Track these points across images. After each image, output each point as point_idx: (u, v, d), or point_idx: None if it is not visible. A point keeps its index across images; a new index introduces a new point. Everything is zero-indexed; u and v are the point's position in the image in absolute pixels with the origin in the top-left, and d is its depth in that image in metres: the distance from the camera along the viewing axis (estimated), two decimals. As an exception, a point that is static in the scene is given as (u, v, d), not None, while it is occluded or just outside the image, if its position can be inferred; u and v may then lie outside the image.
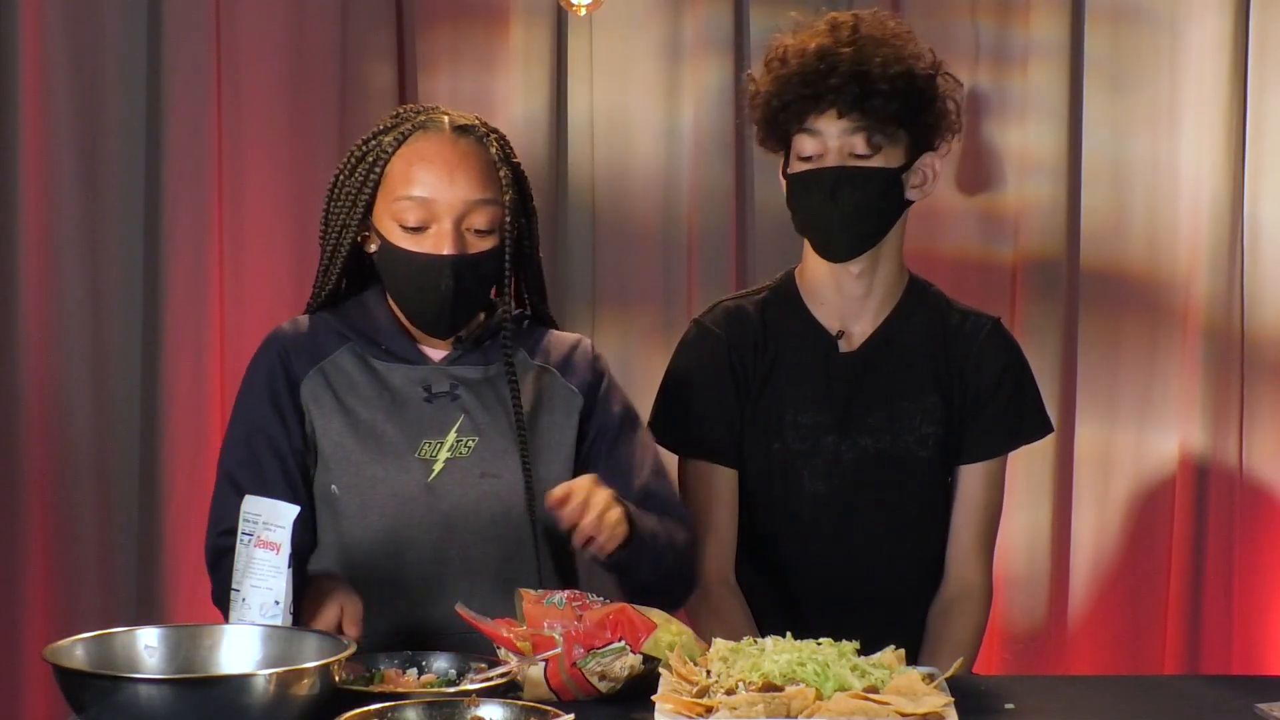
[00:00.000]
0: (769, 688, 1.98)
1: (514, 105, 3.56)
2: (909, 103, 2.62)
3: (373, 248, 2.44)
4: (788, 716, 1.94)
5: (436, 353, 2.45)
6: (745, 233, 3.65)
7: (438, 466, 2.39)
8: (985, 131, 3.66)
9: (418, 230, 2.37)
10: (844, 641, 2.08)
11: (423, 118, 2.43)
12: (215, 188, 3.53)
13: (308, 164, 3.57)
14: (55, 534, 3.52)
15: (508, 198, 2.41)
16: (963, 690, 2.09)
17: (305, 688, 1.86)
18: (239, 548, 2.17)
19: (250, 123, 3.55)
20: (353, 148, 2.46)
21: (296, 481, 2.39)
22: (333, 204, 2.46)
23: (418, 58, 3.58)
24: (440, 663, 2.16)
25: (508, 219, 2.41)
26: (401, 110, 2.49)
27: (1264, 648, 3.70)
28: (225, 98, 3.53)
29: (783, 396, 2.70)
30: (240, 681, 1.85)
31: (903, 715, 1.95)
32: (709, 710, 1.96)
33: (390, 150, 2.40)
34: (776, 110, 2.64)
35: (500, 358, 2.44)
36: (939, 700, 1.97)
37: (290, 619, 2.14)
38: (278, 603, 2.14)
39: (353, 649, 1.97)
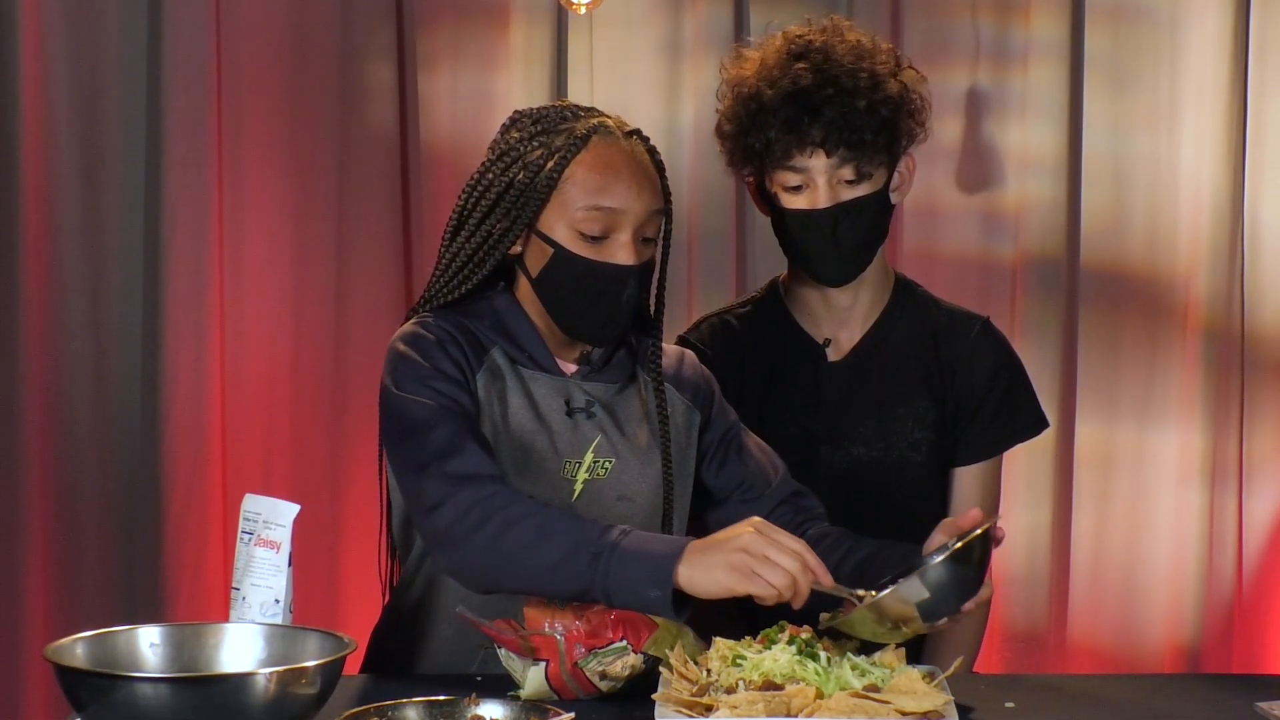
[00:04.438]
0: (769, 686, 1.98)
1: (514, 104, 3.54)
2: (893, 128, 2.59)
3: (516, 251, 2.32)
4: (788, 715, 1.94)
5: (568, 366, 2.36)
6: (745, 233, 3.65)
7: (578, 487, 2.31)
8: (985, 131, 3.66)
9: (597, 239, 2.27)
10: (844, 640, 2.08)
11: (594, 121, 2.30)
12: (215, 187, 3.53)
13: (308, 164, 3.58)
14: (56, 533, 3.53)
15: (670, 205, 2.35)
16: (963, 689, 2.09)
17: (305, 686, 1.86)
18: (239, 547, 2.17)
19: (250, 123, 3.56)
20: (501, 146, 2.32)
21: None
22: (477, 204, 2.31)
23: (418, 57, 3.58)
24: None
25: (668, 227, 2.36)
26: (550, 109, 2.34)
27: (1264, 648, 3.70)
28: (225, 98, 3.54)
29: (773, 409, 2.68)
30: (240, 680, 1.85)
31: (903, 714, 1.95)
32: (709, 709, 1.96)
33: (568, 154, 2.26)
34: (759, 151, 2.59)
35: (625, 375, 2.38)
36: (939, 698, 1.97)
37: (291, 617, 2.14)
38: (278, 601, 2.14)
39: (353, 648, 1.97)
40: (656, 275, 2.37)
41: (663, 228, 2.33)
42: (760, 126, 2.58)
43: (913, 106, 2.62)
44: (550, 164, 2.26)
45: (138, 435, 3.55)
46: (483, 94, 3.58)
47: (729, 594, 2.04)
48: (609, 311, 2.29)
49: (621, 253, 2.27)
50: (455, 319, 2.32)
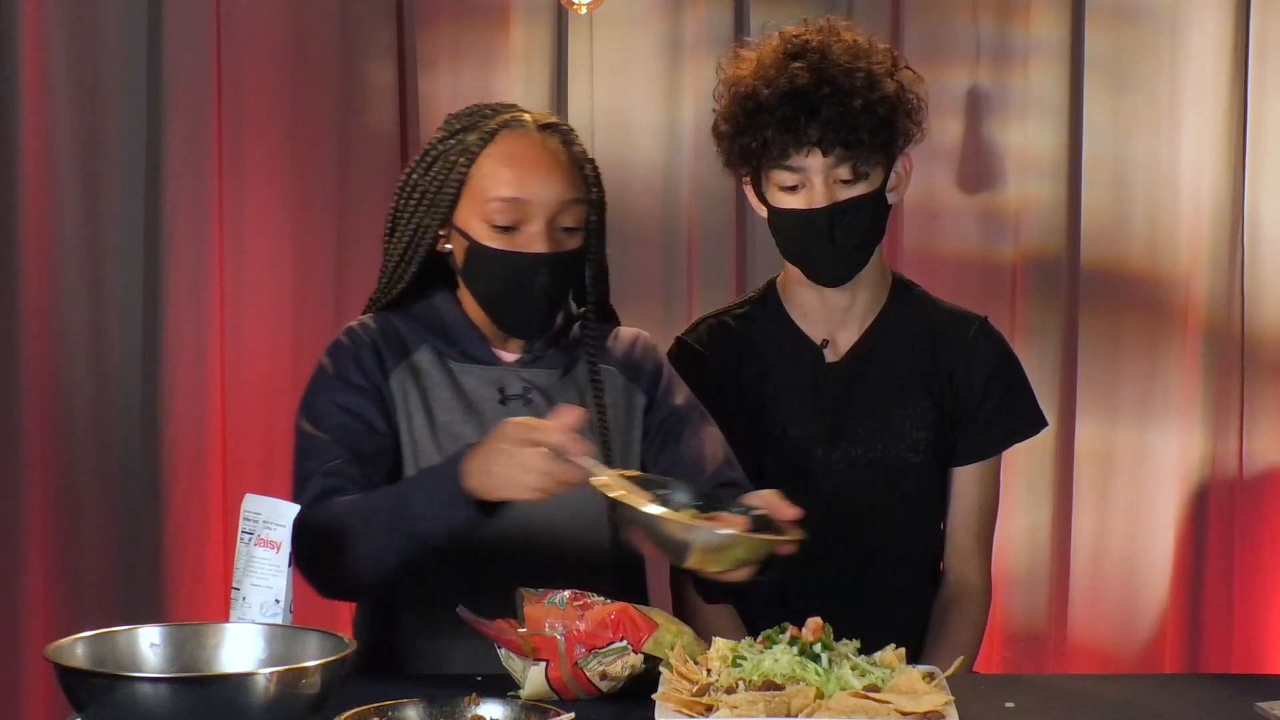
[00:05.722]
0: (769, 686, 1.98)
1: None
2: (889, 128, 2.59)
3: (447, 248, 2.39)
4: (788, 715, 1.94)
5: (509, 355, 2.41)
6: (745, 233, 3.65)
7: None
8: (986, 130, 3.66)
9: (508, 230, 2.33)
10: (844, 640, 2.08)
11: (506, 116, 2.37)
12: (215, 188, 3.53)
13: (308, 163, 3.58)
14: (56, 533, 3.53)
15: (593, 195, 2.39)
16: (963, 689, 2.08)
17: (305, 687, 1.86)
18: (239, 547, 2.17)
19: (250, 123, 3.56)
20: (426, 146, 2.40)
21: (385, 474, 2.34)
22: (405, 204, 2.39)
23: (418, 57, 3.58)
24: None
25: (593, 217, 2.40)
26: (474, 108, 2.41)
27: (1264, 648, 3.70)
28: (225, 98, 3.54)
29: (771, 411, 2.67)
30: (240, 680, 1.85)
31: (903, 714, 1.95)
32: (709, 709, 1.96)
33: (476, 149, 2.34)
34: (755, 150, 2.59)
35: (568, 361, 2.41)
36: (939, 699, 1.97)
37: (291, 617, 2.14)
38: (278, 601, 2.14)
39: (354, 648, 1.96)
40: (588, 265, 2.42)
41: (587, 217, 2.38)
42: (757, 126, 2.58)
43: (909, 106, 2.62)
44: (461, 159, 2.35)
45: (138, 435, 3.55)
46: (483, 94, 3.58)
47: (514, 499, 2.12)
48: (524, 300, 2.35)
49: (534, 242, 2.33)
50: (386, 320, 2.42)
